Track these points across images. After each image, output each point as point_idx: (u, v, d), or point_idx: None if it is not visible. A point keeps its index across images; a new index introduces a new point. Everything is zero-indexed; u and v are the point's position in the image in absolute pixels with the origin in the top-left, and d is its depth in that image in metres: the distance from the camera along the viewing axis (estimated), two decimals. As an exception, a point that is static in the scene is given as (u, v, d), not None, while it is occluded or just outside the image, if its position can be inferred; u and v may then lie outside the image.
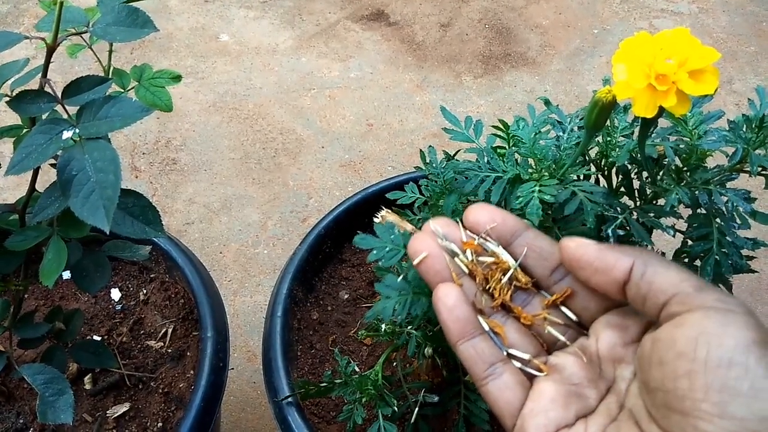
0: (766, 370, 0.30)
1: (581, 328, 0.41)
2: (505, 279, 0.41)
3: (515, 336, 0.41)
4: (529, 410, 0.37)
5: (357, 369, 0.64)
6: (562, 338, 0.40)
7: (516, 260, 0.41)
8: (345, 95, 1.54)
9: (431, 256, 0.41)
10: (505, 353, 0.40)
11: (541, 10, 1.80)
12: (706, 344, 0.31)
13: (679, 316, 0.33)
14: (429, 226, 0.42)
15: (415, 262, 0.41)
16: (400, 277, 0.49)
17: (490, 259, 0.41)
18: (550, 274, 0.41)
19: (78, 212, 0.41)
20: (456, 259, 0.42)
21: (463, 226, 0.42)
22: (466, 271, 0.41)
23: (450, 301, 0.39)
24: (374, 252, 0.53)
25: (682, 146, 0.51)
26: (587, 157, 0.54)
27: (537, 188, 0.48)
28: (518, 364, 0.40)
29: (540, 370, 0.39)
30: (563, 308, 0.41)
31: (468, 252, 0.41)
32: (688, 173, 0.51)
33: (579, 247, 0.38)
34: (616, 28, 1.76)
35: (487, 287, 0.41)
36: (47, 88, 0.46)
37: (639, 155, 0.49)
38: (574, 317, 0.40)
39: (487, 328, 0.40)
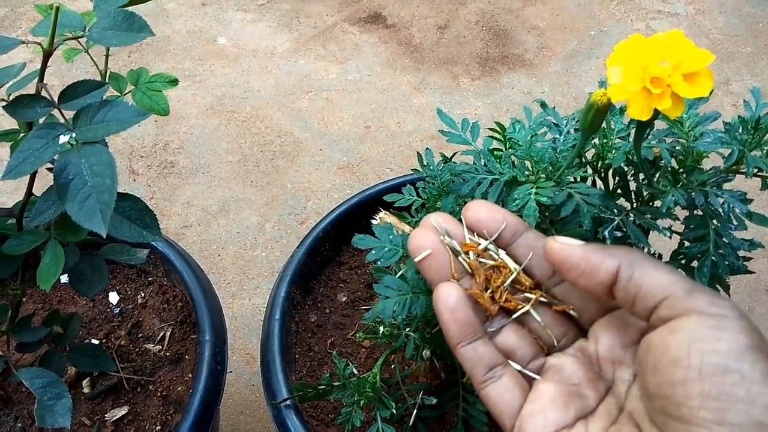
0: (761, 375, 0.29)
1: (580, 330, 0.41)
2: (507, 283, 0.41)
3: (514, 338, 0.40)
4: (528, 411, 0.37)
5: (355, 371, 0.64)
6: (549, 332, 0.40)
7: (518, 263, 0.41)
8: (343, 98, 1.55)
9: (434, 253, 0.40)
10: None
11: (538, 12, 1.80)
12: (700, 351, 0.31)
13: (671, 321, 0.32)
14: (430, 221, 0.41)
15: (417, 259, 0.41)
16: (399, 273, 0.49)
17: (491, 262, 0.41)
18: (550, 275, 0.41)
19: (74, 216, 0.41)
20: (459, 258, 0.41)
21: (465, 225, 0.42)
22: (469, 270, 0.41)
23: (451, 302, 0.39)
24: (373, 252, 0.53)
25: (678, 148, 0.51)
26: (584, 159, 0.54)
27: (534, 190, 0.48)
28: (517, 367, 0.40)
29: (538, 374, 0.39)
30: (552, 300, 0.41)
31: (470, 253, 0.41)
32: (684, 175, 0.51)
33: (564, 249, 0.37)
34: (613, 29, 1.76)
35: (487, 288, 0.41)
36: (44, 93, 0.46)
37: (635, 157, 0.49)
38: (574, 313, 0.40)
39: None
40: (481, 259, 0.41)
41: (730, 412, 0.29)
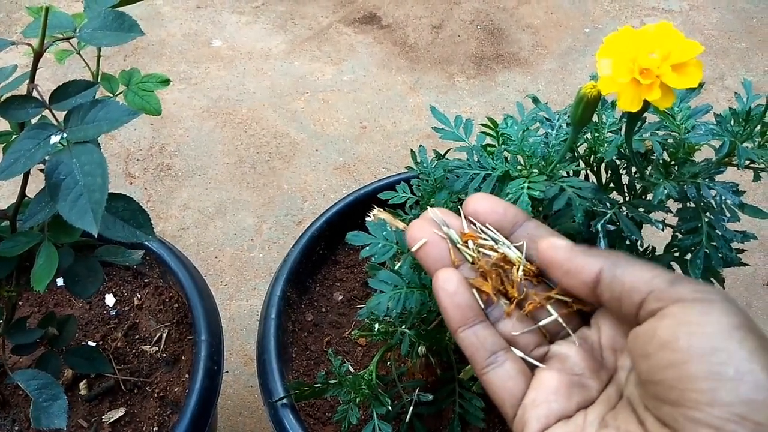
0: (748, 353, 0.30)
1: (583, 318, 0.41)
2: (519, 273, 0.40)
3: (517, 325, 0.40)
4: (531, 400, 0.37)
5: (351, 369, 0.64)
6: (565, 326, 0.40)
7: (518, 251, 0.41)
8: (338, 98, 1.55)
9: (431, 242, 0.40)
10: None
11: (533, 11, 1.80)
12: (687, 334, 0.31)
13: (659, 311, 0.33)
14: (428, 214, 0.41)
15: (413, 249, 0.40)
16: (394, 268, 0.49)
17: (493, 254, 0.41)
18: None
19: (66, 216, 0.41)
20: (459, 246, 0.41)
21: (463, 216, 0.42)
22: (469, 259, 0.41)
23: (451, 287, 0.38)
24: (367, 248, 0.53)
25: (670, 141, 0.51)
26: (576, 153, 0.54)
27: (526, 185, 0.49)
28: (520, 354, 0.39)
29: (541, 362, 0.39)
30: (565, 298, 0.41)
31: (470, 242, 0.41)
32: (676, 167, 0.51)
33: (549, 249, 0.38)
34: (608, 26, 1.76)
35: (488, 276, 0.41)
36: (35, 93, 0.46)
37: (627, 150, 0.49)
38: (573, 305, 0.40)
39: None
40: (482, 249, 0.41)
41: (720, 392, 0.29)
